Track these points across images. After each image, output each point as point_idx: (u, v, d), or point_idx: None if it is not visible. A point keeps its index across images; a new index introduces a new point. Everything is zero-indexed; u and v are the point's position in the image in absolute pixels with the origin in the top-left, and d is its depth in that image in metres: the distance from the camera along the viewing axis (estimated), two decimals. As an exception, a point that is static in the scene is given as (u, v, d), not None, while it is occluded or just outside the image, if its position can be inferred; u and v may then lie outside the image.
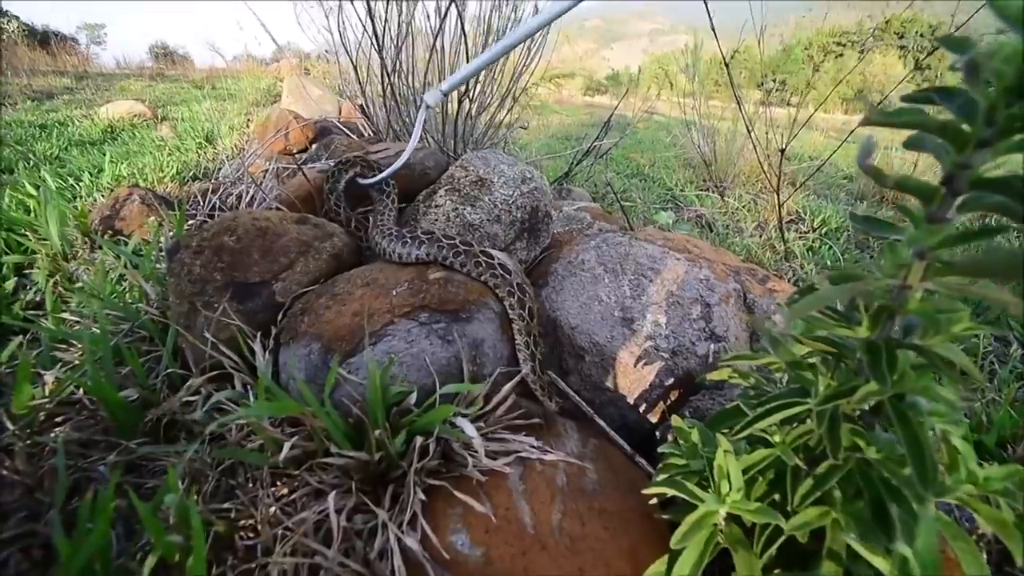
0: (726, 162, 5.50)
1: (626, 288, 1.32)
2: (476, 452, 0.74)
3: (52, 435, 1.01)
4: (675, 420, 0.78)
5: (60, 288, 1.62)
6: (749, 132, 3.24)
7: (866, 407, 0.55)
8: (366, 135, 3.01)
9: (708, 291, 1.27)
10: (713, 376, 0.80)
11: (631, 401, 1.16)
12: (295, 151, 3.29)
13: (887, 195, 5.34)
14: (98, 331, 1.11)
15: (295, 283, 1.12)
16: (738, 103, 3.10)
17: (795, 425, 0.62)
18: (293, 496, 0.77)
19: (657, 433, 1.10)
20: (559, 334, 1.29)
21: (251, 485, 0.83)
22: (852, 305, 0.59)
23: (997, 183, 0.43)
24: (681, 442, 0.78)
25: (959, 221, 0.51)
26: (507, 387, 0.87)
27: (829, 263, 3.12)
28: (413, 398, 0.82)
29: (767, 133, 4.14)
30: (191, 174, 3.35)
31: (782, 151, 2.75)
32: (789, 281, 2.71)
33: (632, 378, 1.17)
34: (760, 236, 3.23)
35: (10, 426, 0.99)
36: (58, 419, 1.06)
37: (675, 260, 1.38)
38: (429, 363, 0.87)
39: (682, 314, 1.22)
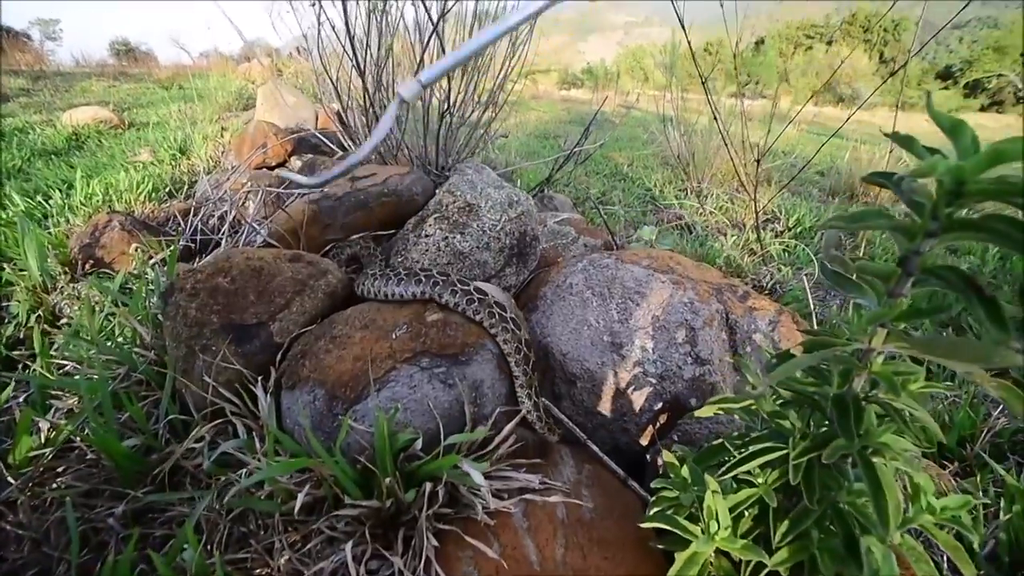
0: (703, 162, 5.61)
1: (614, 312, 1.38)
2: (483, 496, 0.78)
3: (54, 486, 1.02)
4: (666, 455, 0.84)
5: (44, 325, 1.59)
6: (724, 140, 3.34)
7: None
8: (347, 147, 2.99)
9: (692, 314, 1.34)
10: (701, 413, 0.86)
11: (622, 425, 1.22)
12: (274, 165, 3.25)
13: (856, 192, 5.54)
14: (95, 377, 1.12)
15: (292, 323, 1.15)
16: (714, 113, 3.18)
17: (772, 470, 0.68)
18: (308, 545, 0.80)
19: (647, 456, 1.16)
20: (551, 360, 1.34)
21: (263, 533, 0.86)
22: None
23: (940, 271, 0.50)
24: (672, 475, 0.83)
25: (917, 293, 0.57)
26: (508, 427, 0.92)
27: (806, 265, 3.24)
28: (419, 444, 0.86)
29: (742, 136, 4.25)
30: (167, 190, 3.28)
31: (757, 162, 2.84)
32: (767, 286, 2.82)
33: (622, 403, 1.23)
34: (738, 240, 3.33)
35: (11, 480, 0.99)
36: (58, 469, 1.07)
37: (660, 283, 1.44)
38: (432, 407, 0.91)
39: (668, 339, 1.29)
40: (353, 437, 0.87)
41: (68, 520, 0.87)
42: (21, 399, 1.31)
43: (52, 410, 1.17)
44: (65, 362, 1.34)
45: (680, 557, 0.68)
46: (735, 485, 0.74)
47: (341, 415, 0.89)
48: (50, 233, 2.09)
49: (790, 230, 4.19)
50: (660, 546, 0.82)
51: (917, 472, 0.64)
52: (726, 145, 3.64)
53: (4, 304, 1.80)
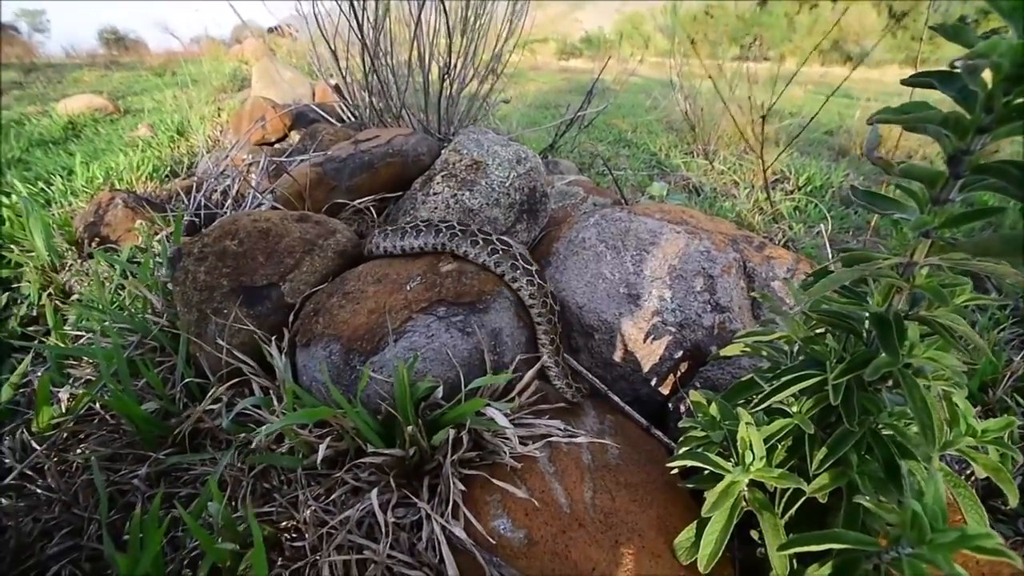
0: (709, 124, 5.48)
1: (629, 264, 1.34)
2: (509, 440, 0.77)
3: (78, 451, 1.02)
4: (693, 394, 0.82)
5: (56, 301, 1.59)
6: (724, 102, 3.24)
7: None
8: (346, 119, 2.93)
9: (710, 263, 1.31)
10: (726, 352, 0.84)
11: (642, 375, 1.20)
12: (273, 140, 3.20)
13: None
14: (108, 345, 1.11)
15: (303, 283, 1.13)
16: (710, 75, 3.08)
17: (807, 398, 0.66)
18: (332, 496, 0.79)
19: (669, 405, 1.15)
20: (567, 314, 1.31)
21: (287, 487, 0.86)
22: (860, 281, 0.62)
23: (996, 168, 0.46)
24: (699, 415, 0.82)
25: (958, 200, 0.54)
26: (530, 374, 0.90)
27: (817, 222, 3.17)
28: (440, 392, 0.84)
29: (749, 96, 4.14)
30: (167, 171, 3.25)
31: (763, 118, 2.76)
32: (780, 243, 2.76)
33: (642, 353, 1.21)
34: (748, 199, 3.26)
35: (36, 446, 1.00)
36: (80, 435, 1.07)
37: (675, 233, 1.40)
38: (451, 356, 0.89)
39: (686, 287, 1.26)
40: (373, 388, 0.86)
41: (96, 482, 0.87)
42: (40, 372, 1.32)
43: (70, 380, 1.17)
44: (80, 333, 1.33)
45: (713, 491, 0.66)
46: (766, 419, 0.72)
47: (359, 367, 0.88)
48: (52, 215, 2.07)
49: (800, 189, 4.11)
50: (690, 485, 0.81)
51: (961, 392, 0.61)
52: (725, 105, 3.54)
53: (15, 285, 1.79)
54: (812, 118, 3.45)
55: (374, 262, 1.12)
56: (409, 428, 0.79)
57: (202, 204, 2.09)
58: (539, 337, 1.01)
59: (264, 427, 0.84)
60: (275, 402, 0.94)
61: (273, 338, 1.03)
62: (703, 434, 0.79)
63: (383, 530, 0.71)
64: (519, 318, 1.01)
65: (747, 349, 0.82)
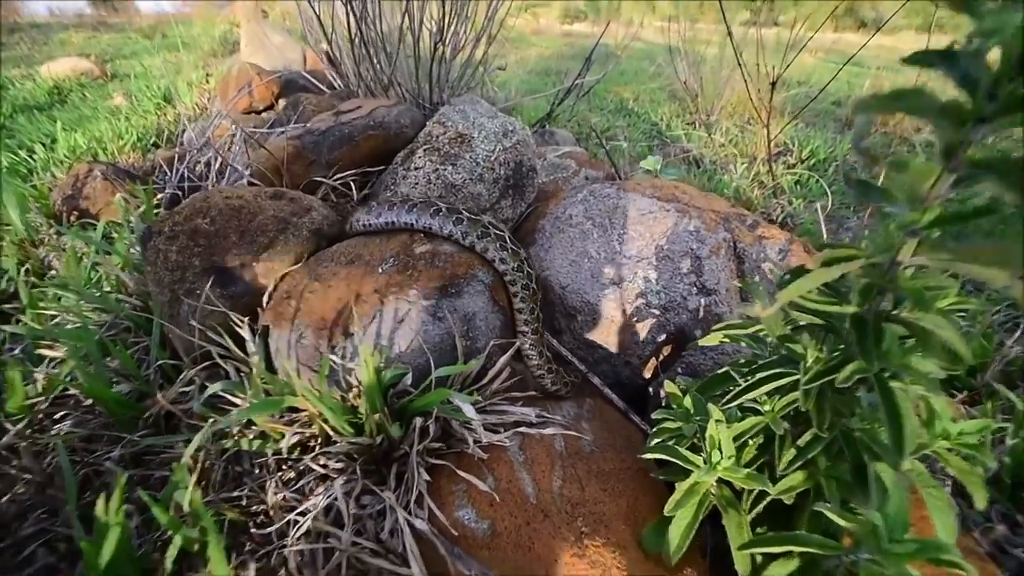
0: (713, 93, 5.32)
1: (615, 243, 1.31)
2: (475, 430, 0.75)
3: (53, 432, 1.02)
4: (668, 385, 0.81)
5: (32, 278, 1.56)
6: (739, 63, 3.11)
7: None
8: (337, 87, 2.82)
9: (698, 243, 1.27)
10: (705, 342, 0.81)
11: (624, 358, 1.18)
12: (260, 109, 3.10)
13: (875, 124, 5.23)
14: (79, 326, 1.09)
15: (277, 262, 1.09)
16: (728, 30, 2.94)
17: (780, 397, 0.64)
18: (300, 482, 0.79)
19: (650, 389, 1.13)
20: (550, 294, 1.28)
21: (256, 471, 0.85)
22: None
23: (994, 163, 0.42)
24: (674, 406, 0.80)
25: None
26: (502, 360, 0.88)
27: (819, 197, 3.10)
28: (409, 379, 0.83)
29: (756, 63, 3.98)
30: (151, 140, 3.16)
31: (773, 84, 2.65)
32: (778, 219, 2.71)
33: (624, 335, 1.19)
34: (749, 172, 3.18)
35: (9, 427, 0.99)
36: (55, 416, 1.06)
37: (664, 212, 1.36)
38: (422, 341, 0.87)
39: (672, 268, 1.22)
40: (341, 375, 0.84)
41: (63, 463, 0.87)
42: (16, 351, 1.30)
43: (45, 361, 1.16)
44: (55, 313, 1.31)
45: (680, 487, 0.65)
46: (740, 414, 0.70)
47: (329, 353, 0.86)
48: (34, 187, 2.02)
49: (803, 162, 4.00)
50: (662, 477, 0.80)
51: (937, 396, 0.59)
52: (740, 67, 3.40)
53: (-6, 259, 1.76)
54: (821, 90, 3.32)
55: (349, 241, 1.08)
56: (376, 416, 0.77)
57: (185, 176, 2.03)
58: (519, 327, 0.99)
59: (234, 412, 0.83)
60: (246, 386, 0.93)
61: (246, 320, 1.01)
62: (676, 426, 0.77)
63: (347, 519, 0.70)
64: (494, 302, 0.98)
65: (726, 340, 0.80)
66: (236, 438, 0.85)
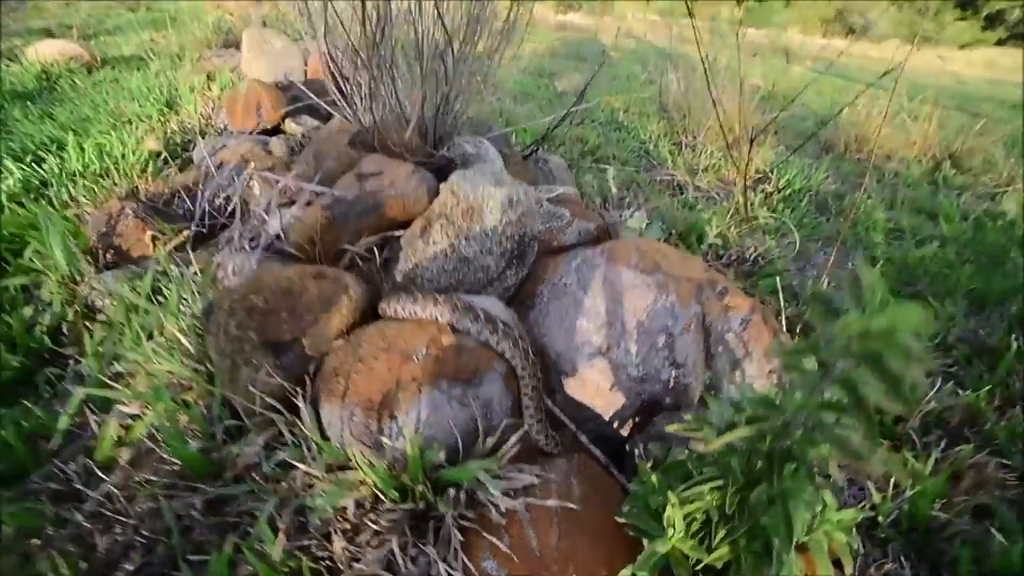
0: (700, 112, 5.53)
1: (603, 315, 1.55)
2: (497, 501, 1.00)
3: (135, 479, 1.22)
4: (640, 465, 1.06)
5: (81, 320, 1.73)
6: (710, 90, 3.34)
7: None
8: (337, 101, 2.84)
9: (672, 320, 1.52)
10: (669, 429, 1.07)
11: (606, 419, 1.44)
12: (268, 128, 3.22)
13: (850, 147, 5.52)
14: (154, 386, 1.29)
15: (323, 338, 1.31)
16: (703, 59, 3.16)
17: (718, 492, 0.89)
18: (359, 536, 1.02)
19: (627, 446, 1.39)
20: (547, 359, 1.53)
21: (319, 522, 1.08)
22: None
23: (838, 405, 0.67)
24: (644, 480, 1.05)
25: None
26: (513, 439, 1.12)
27: (794, 230, 3.34)
28: (443, 456, 1.06)
29: (740, 79, 4.14)
30: (162, 156, 3.25)
31: (748, 162, 2.90)
32: (750, 258, 2.97)
33: (607, 399, 1.44)
34: (725, 211, 3.41)
35: (103, 476, 1.20)
36: (128, 462, 1.27)
37: (646, 286, 1.60)
38: (452, 424, 1.11)
39: (650, 343, 1.47)
40: (390, 449, 1.07)
41: (163, 511, 1.09)
42: (76, 392, 1.49)
43: (116, 411, 1.35)
44: (114, 361, 1.50)
45: (643, 555, 0.91)
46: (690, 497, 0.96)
47: (377, 433, 1.09)
48: (65, 218, 2.16)
49: (780, 191, 4.26)
50: (632, 533, 1.06)
51: (825, 495, 0.85)
52: (714, 102, 3.63)
53: (35, 292, 1.92)
54: (783, 110, 3.56)
55: (384, 324, 1.30)
56: (419, 488, 1.01)
57: (207, 212, 2.19)
58: (525, 404, 1.22)
59: (300, 477, 1.06)
60: (304, 449, 1.15)
61: (300, 391, 1.22)
62: (644, 496, 1.03)
63: (402, 569, 0.94)
64: (506, 388, 1.22)
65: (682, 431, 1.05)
66: (302, 497, 1.08)
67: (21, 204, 2.52)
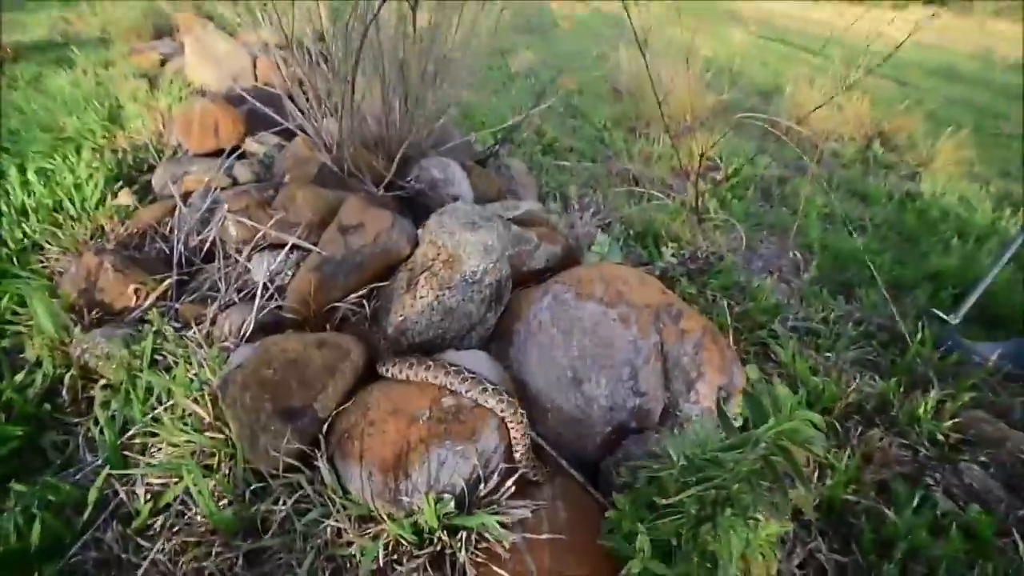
0: (651, 95, 5.68)
1: (575, 350, 1.76)
2: (504, 540, 1.22)
3: (171, 541, 1.37)
4: (617, 499, 1.30)
5: (79, 382, 1.79)
6: (656, 95, 3.51)
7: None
8: (301, 111, 2.81)
9: (635, 353, 1.75)
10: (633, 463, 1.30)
11: (582, 443, 1.67)
12: (227, 149, 3.17)
13: (791, 128, 5.83)
14: (180, 457, 1.42)
15: (331, 401, 1.46)
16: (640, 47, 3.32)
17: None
18: (387, 578, 1.23)
19: (600, 466, 1.63)
20: (528, 394, 1.74)
21: (349, 565, 1.28)
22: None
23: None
24: (618, 507, 1.30)
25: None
26: (510, 482, 1.34)
27: (739, 226, 3.62)
28: (452, 504, 1.27)
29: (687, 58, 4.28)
30: (113, 174, 3.15)
31: (701, 156, 3.11)
32: (702, 257, 3.22)
33: (581, 428, 1.67)
34: (676, 209, 3.64)
35: (144, 544, 1.34)
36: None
37: (611, 321, 1.81)
38: (458, 475, 1.31)
39: (616, 376, 1.70)
40: (406, 504, 1.27)
41: (208, 570, 1.25)
42: (96, 460, 1.60)
43: (142, 479, 1.47)
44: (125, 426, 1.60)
45: (622, 572, 1.16)
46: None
47: (395, 490, 1.28)
48: (39, 276, 2.15)
49: (728, 179, 4.54)
50: (609, 550, 1.31)
51: (760, 524, 1.11)
52: (658, 101, 3.80)
53: (18, 355, 1.95)
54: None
55: (385, 388, 1.47)
56: (436, 534, 1.22)
57: (184, 259, 2.23)
58: (515, 448, 1.44)
59: (329, 531, 1.24)
60: (329, 504, 1.33)
61: (318, 453, 1.39)
62: (619, 521, 1.27)
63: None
64: (500, 437, 1.42)
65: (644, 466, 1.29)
66: (333, 549, 1.27)
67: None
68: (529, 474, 1.49)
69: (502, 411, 1.42)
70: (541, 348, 1.79)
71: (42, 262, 2.30)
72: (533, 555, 1.27)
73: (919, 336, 2.49)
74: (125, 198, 2.65)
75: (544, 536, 1.29)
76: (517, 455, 1.46)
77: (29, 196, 2.85)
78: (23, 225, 2.62)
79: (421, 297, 1.73)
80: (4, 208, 2.80)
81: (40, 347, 1.88)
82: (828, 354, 2.49)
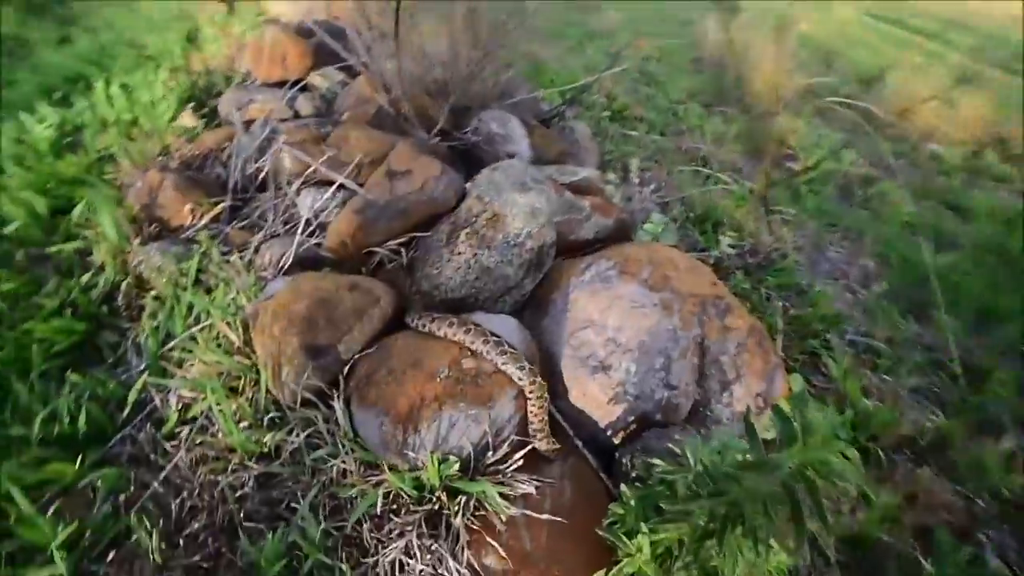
0: (736, 68, 5.27)
1: (610, 331, 1.68)
2: (501, 510, 1.20)
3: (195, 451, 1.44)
4: (624, 491, 1.24)
5: (133, 290, 1.90)
6: None
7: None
8: (357, 49, 2.76)
9: (672, 343, 1.64)
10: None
11: (601, 427, 1.61)
12: (293, 80, 3.18)
13: (891, 121, 5.23)
14: (210, 377, 1.48)
15: (356, 343, 1.47)
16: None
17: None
18: (384, 525, 1.24)
19: (617, 454, 1.57)
20: (553, 367, 1.68)
21: (349, 506, 1.30)
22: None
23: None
24: (624, 501, 1.24)
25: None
26: (518, 455, 1.30)
27: (812, 224, 3.32)
28: (457, 467, 1.25)
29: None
30: (187, 95, 3.24)
31: (779, 143, 2.83)
32: (763, 252, 2.99)
33: (604, 411, 1.60)
34: (749, 190, 3.37)
35: (168, 447, 1.42)
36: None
37: (652, 306, 1.71)
38: (467, 439, 1.29)
39: (648, 365, 1.61)
40: (411, 459, 1.27)
41: (221, 483, 1.32)
42: (140, 365, 1.70)
43: (175, 391, 1.55)
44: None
45: (613, 572, 1.11)
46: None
47: (402, 443, 1.27)
48: (109, 187, 2.27)
49: (807, 171, 4.15)
50: (609, 540, 1.27)
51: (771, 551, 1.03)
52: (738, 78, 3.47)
53: (87, 258, 2.08)
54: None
55: (410, 339, 1.45)
56: (436, 493, 1.21)
57: (239, 187, 2.28)
58: (530, 420, 1.39)
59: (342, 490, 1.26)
60: (339, 444, 1.35)
61: (335, 392, 1.40)
62: (623, 514, 1.22)
63: (418, 553, 1.17)
64: (516, 408, 1.38)
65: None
66: (337, 488, 1.30)
67: (59, 154, 2.62)
68: (542, 449, 1.45)
69: (520, 379, 1.37)
70: (575, 322, 1.71)
71: (114, 174, 2.41)
72: (530, 532, 1.24)
73: (1000, 375, 2.22)
74: (189, 119, 2.72)
75: (544, 516, 1.25)
76: (532, 428, 1.41)
77: (111, 109, 3.00)
78: (103, 137, 2.77)
79: (459, 253, 1.68)
80: (89, 119, 2.97)
81: (105, 253, 2.00)
82: (886, 377, 2.28)
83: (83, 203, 2.17)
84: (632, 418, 1.59)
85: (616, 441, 1.62)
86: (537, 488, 1.31)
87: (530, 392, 1.38)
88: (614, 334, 1.67)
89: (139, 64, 3.55)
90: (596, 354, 1.65)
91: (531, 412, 1.40)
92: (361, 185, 1.87)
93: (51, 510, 1.28)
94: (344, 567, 1.18)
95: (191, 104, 3.04)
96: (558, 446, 1.51)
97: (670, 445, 1.44)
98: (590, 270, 1.84)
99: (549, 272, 1.92)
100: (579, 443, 1.57)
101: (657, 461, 1.19)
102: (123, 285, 1.91)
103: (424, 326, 1.46)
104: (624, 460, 1.52)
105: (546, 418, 1.43)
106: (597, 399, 1.61)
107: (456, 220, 1.78)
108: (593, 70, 4.68)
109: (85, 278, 1.95)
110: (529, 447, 1.35)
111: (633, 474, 1.40)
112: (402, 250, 1.79)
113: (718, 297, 1.87)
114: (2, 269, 2.00)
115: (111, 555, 1.27)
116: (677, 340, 1.65)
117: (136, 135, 2.69)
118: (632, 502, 1.20)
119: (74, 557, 1.23)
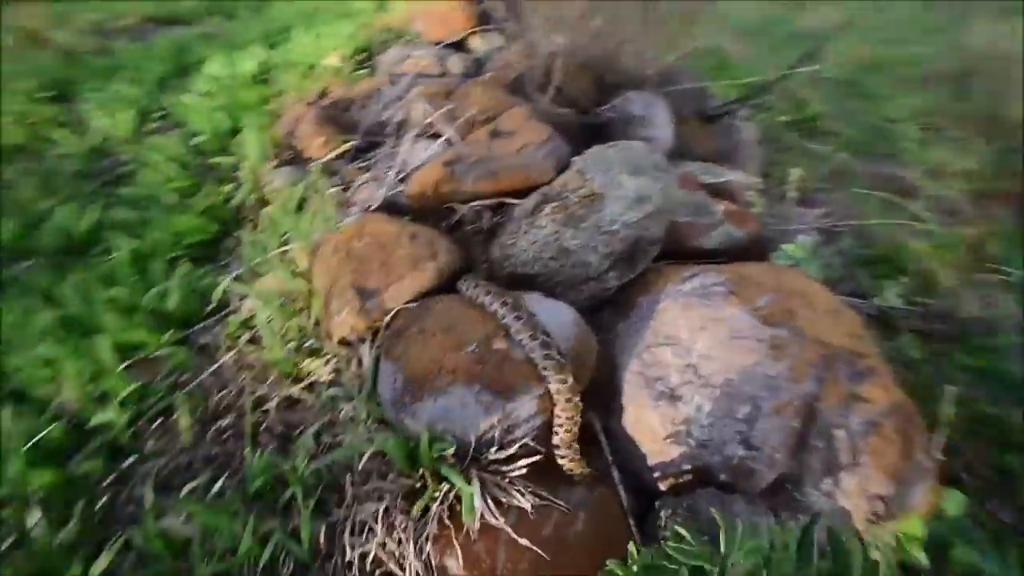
0: (986, 87, 4.13)
1: (693, 356, 1.36)
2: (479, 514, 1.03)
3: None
4: (631, 551, 0.97)
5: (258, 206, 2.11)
6: None
7: None
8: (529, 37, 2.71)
9: (768, 392, 1.26)
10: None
11: (649, 465, 1.32)
12: (454, 40, 3.27)
13: None
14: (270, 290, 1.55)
15: (403, 294, 1.39)
16: None
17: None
18: (367, 484, 1.16)
19: (657, 504, 1.27)
20: (615, 378, 1.42)
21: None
22: None
23: None
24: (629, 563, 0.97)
25: None
26: (524, 461, 1.11)
27: None
28: (452, 450, 1.10)
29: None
30: (363, 47, 3.54)
31: None
32: (958, 319, 2.23)
33: (659, 447, 1.31)
34: (959, 239, 2.57)
35: (224, 347, 1.53)
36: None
37: (758, 341, 1.34)
38: (473, 424, 1.13)
39: (727, 410, 1.26)
40: (412, 425, 1.16)
41: (254, 393, 1.37)
42: (238, 270, 1.87)
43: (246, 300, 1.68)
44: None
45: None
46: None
47: (408, 404, 1.17)
48: (264, 115, 2.57)
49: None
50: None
51: None
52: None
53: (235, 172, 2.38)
54: None
55: (453, 304, 1.34)
56: (421, 471, 1.09)
57: (371, 131, 2.39)
58: (555, 429, 1.18)
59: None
60: (354, 389, 1.30)
61: (369, 337, 1.35)
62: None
63: (380, 525, 1.07)
64: (539, 410, 1.17)
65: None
66: (341, 429, 1.25)
67: (250, 86, 3.05)
68: (565, 466, 1.23)
69: (544, 370, 1.16)
70: (654, 335, 1.43)
71: (277, 106, 2.73)
72: (506, 552, 1.05)
73: None
74: (335, 60, 2.95)
75: (544, 530, 1.05)
76: (556, 439, 1.20)
77: (300, 53, 3.42)
78: (286, 76, 3.17)
79: (540, 226, 1.50)
80: (281, 60, 3.42)
81: (247, 170, 2.26)
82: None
83: (245, 129, 2.49)
84: (689, 467, 1.26)
85: (662, 487, 1.31)
86: (537, 507, 1.10)
87: (557, 392, 1.16)
88: (697, 361, 1.35)
89: (340, 17, 3.99)
90: (668, 378, 1.35)
91: (557, 418, 1.18)
92: (462, 139, 1.79)
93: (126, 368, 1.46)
94: (310, 507, 1.12)
95: (363, 54, 3.31)
96: (587, 469, 1.27)
97: (722, 517, 1.11)
98: (693, 280, 1.51)
99: (646, 273, 1.64)
100: (616, 473, 1.31)
101: (683, 531, 0.89)
102: (252, 199, 2.13)
103: (468, 290, 1.33)
104: (662, 513, 1.22)
105: (576, 430, 1.20)
106: (653, 431, 1.32)
107: (548, 191, 1.60)
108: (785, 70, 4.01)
109: (227, 188, 2.22)
110: (538, 456, 1.14)
111: (662, 535, 1.11)
112: (486, 214, 1.67)
113: (856, 354, 1.40)
114: (182, 170, 2.39)
115: (156, 423, 1.40)
116: (776, 391, 1.26)
117: (309, 75, 3.02)
118: (635, 568, 0.93)
119: (129, 412, 1.39)
